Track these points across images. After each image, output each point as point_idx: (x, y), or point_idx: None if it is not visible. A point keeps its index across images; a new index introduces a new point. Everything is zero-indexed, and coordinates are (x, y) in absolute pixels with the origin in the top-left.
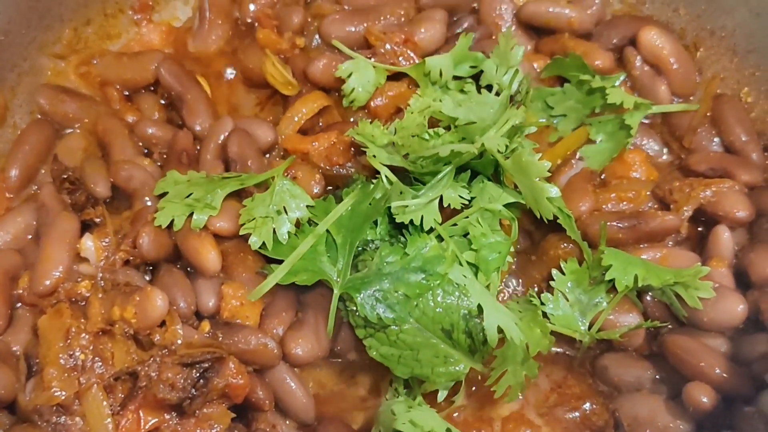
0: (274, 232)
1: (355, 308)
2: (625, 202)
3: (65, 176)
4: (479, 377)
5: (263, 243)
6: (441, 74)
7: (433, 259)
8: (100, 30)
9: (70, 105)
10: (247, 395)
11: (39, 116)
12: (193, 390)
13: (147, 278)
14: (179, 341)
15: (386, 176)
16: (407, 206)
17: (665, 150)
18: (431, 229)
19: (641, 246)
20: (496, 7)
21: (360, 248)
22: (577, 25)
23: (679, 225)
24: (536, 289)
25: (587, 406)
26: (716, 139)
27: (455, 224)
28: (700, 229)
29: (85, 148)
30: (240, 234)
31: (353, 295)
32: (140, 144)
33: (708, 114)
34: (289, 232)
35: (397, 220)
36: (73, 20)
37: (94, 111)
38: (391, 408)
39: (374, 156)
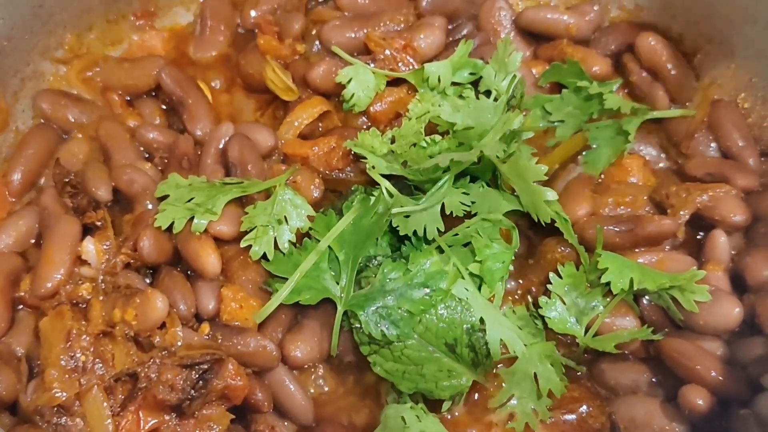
0: (276, 242)
1: (359, 325)
2: (622, 207)
3: (67, 180)
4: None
5: (264, 254)
6: (439, 80)
7: (436, 274)
8: (103, 36)
9: (72, 110)
10: (246, 397)
11: (41, 121)
12: (193, 391)
13: (147, 281)
14: (179, 343)
15: (386, 189)
16: (409, 216)
17: (663, 155)
18: (433, 240)
19: (638, 250)
20: (495, 13)
21: (362, 264)
22: (576, 32)
23: (676, 229)
24: (534, 291)
25: (584, 408)
26: (713, 145)
27: (456, 234)
28: (699, 234)
29: (86, 152)
30: (241, 246)
31: (357, 312)
32: (141, 149)
33: (705, 119)
34: (291, 246)
35: (401, 233)
36: (75, 26)
37: (96, 116)
38: (401, 415)
39: (373, 167)
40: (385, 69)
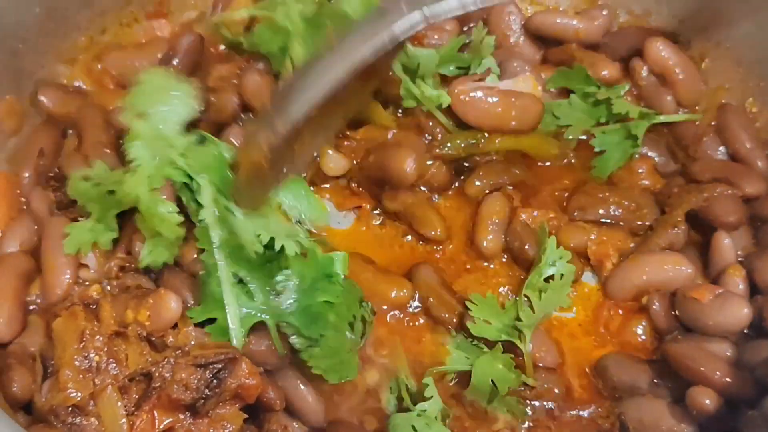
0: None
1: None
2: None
3: (51, 174)
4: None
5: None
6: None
7: (327, 261)
8: (116, 39)
9: (72, 104)
10: (258, 396)
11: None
12: (207, 390)
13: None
14: (192, 342)
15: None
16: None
17: (671, 159)
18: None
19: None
20: (505, 18)
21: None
22: (585, 36)
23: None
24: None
25: (593, 409)
26: (721, 148)
27: None
28: (704, 236)
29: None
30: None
31: (280, 323)
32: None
33: (713, 123)
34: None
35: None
36: (89, 29)
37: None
38: (411, 424)
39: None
40: None
